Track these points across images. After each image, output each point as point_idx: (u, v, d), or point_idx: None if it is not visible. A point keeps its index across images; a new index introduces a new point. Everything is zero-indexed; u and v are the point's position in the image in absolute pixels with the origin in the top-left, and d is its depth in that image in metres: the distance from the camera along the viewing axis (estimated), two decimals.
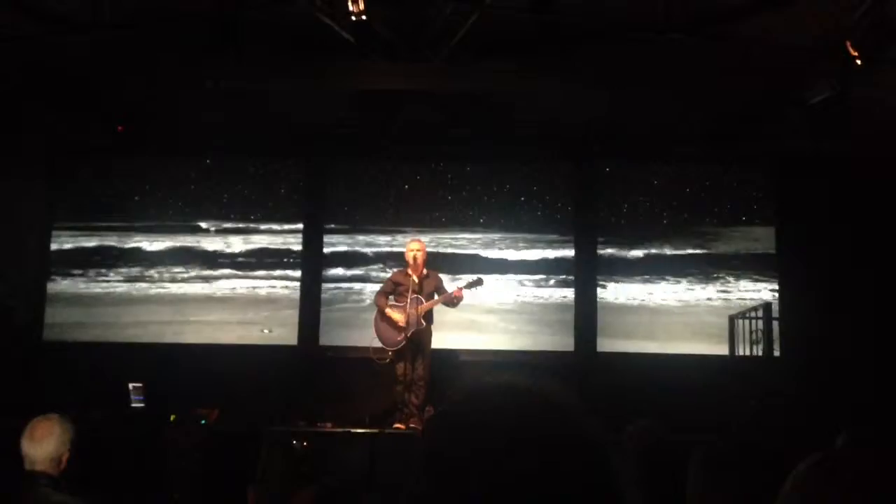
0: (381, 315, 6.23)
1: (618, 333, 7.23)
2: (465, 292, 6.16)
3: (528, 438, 0.80)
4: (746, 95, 6.06)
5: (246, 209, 7.59)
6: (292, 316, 7.28)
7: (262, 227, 7.57)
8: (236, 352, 7.06)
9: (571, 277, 7.40)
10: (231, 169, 7.64)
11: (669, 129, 6.88)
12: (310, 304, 7.29)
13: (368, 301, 6.81)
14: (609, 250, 7.49)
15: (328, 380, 6.88)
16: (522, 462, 0.78)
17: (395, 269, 6.58)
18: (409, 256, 6.20)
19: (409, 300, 5.97)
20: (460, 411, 0.85)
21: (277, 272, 7.50)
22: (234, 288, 7.49)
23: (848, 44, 4.44)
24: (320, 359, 7.06)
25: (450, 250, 7.38)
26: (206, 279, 7.46)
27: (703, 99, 6.21)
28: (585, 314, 7.24)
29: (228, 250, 7.58)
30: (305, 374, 6.97)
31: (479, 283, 6.20)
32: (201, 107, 6.62)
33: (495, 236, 7.48)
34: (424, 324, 6.10)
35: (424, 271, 6.27)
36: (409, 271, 6.21)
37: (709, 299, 7.33)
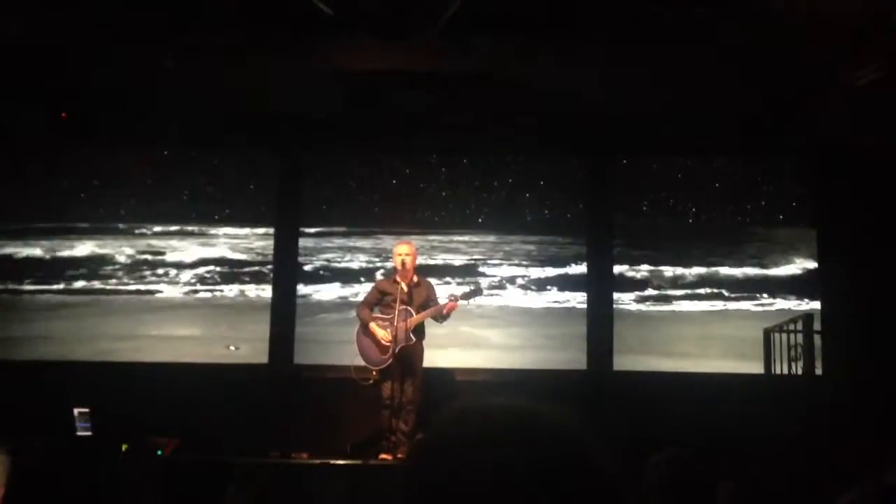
0: (365, 329, 6.24)
1: (636, 348, 7.25)
2: (461, 303, 6.20)
3: (523, 468, 0.81)
4: (782, 78, 6.09)
5: (209, 208, 7.60)
6: (263, 331, 7.28)
7: (229, 228, 7.60)
8: (198, 371, 7.04)
9: (583, 285, 7.42)
10: (193, 162, 7.64)
11: (694, 117, 6.91)
12: (283, 318, 7.29)
13: (351, 313, 6.80)
14: (626, 254, 7.54)
15: (304, 404, 6.89)
16: (516, 496, 0.78)
17: (380, 277, 6.55)
18: (398, 261, 6.20)
19: (396, 312, 5.98)
20: (448, 437, 0.88)
21: (246, 280, 7.52)
22: (195, 299, 7.50)
23: None
24: (295, 380, 7.08)
25: (442, 257, 7.46)
26: (164, 289, 7.48)
27: (732, 82, 6.23)
28: (599, 327, 7.23)
29: (189, 255, 7.59)
30: (278, 397, 6.98)
31: (476, 292, 6.21)
32: (158, 90, 6.60)
33: (495, 238, 7.54)
34: (414, 339, 6.11)
35: (415, 279, 6.27)
36: (398, 278, 6.21)
37: (741, 310, 7.40)
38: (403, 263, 6.10)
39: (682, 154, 7.57)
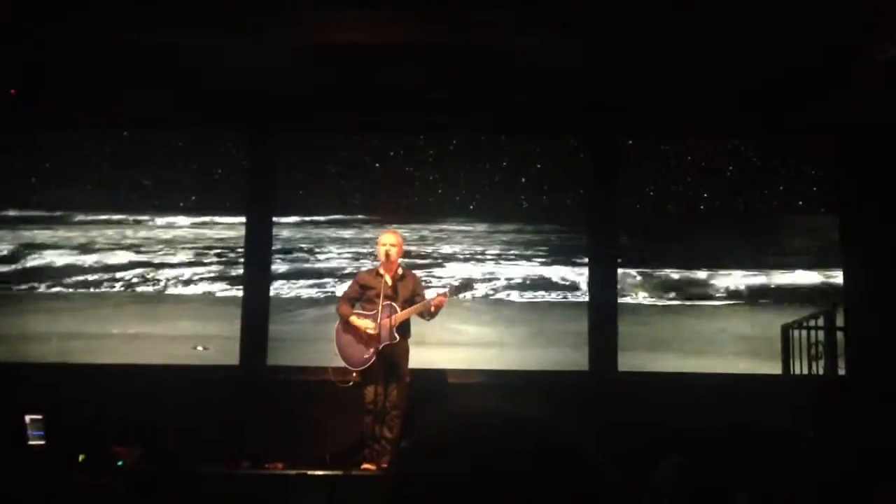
0: (345, 326, 6.22)
1: (642, 345, 7.30)
2: (451, 298, 6.20)
3: (515, 479, 0.81)
4: (802, 51, 6.11)
5: (174, 195, 7.56)
6: (233, 329, 7.25)
7: (195, 217, 7.57)
8: (162, 374, 7.01)
9: (585, 278, 7.42)
10: (155, 144, 7.59)
11: (707, 94, 6.92)
12: (255, 315, 7.26)
13: (330, 309, 6.79)
14: (631, 243, 7.57)
15: (278, 409, 6.90)
16: None
17: (362, 269, 6.54)
18: (381, 252, 6.20)
19: (380, 307, 5.98)
20: (435, 445, 0.88)
21: (214, 274, 7.49)
22: (159, 294, 7.48)
23: None
24: (268, 382, 7.08)
25: (429, 248, 7.43)
26: (124, 283, 7.43)
27: (748, 56, 6.22)
28: (602, 324, 7.23)
29: (151, 247, 7.55)
30: (250, 401, 6.98)
31: (468, 286, 6.22)
32: (116, 65, 6.54)
33: (488, 227, 7.52)
34: (399, 337, 6.10)
35: (400, 271, 6.27)
36: (381, 271, 6.22)
37: (757, 304, 7.42)
38: (388, 254, 6.09)
39: (693, 134, 7.58)
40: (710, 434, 5.93)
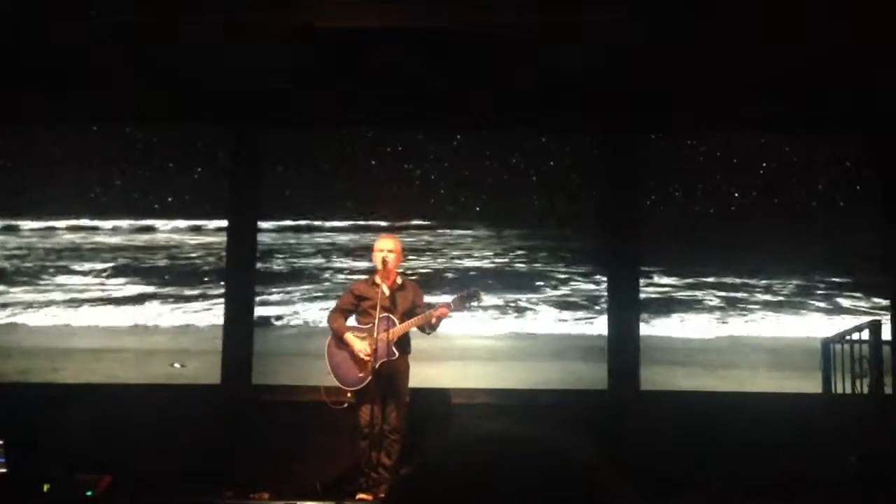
0: (338, 342, 6.20)
1: (666, 361, 7.30)
2: (456, 309, 6.18)
3: None
4: (844, 34, 6.09)
5: (149, 197, 7.58)
6: (214, 344, 7.19)
7: (172, 222, 7.59)
8: (135, 394, 6.97)
9: (603, 287, 7.38)
10: (126, 141, 7.56)
11: (737, 83, 6.86)
12: (238, 329, 7.20)
13: (322, 323, 6.78)
14: (655, 248, 7.52)
15: (265, 433, 6.86)
16: None
17: (358, 279, 6.52)
18: (378, 259, 6.17)
19: (377, 320, 5.93)
20: (438, 472, 0.89)
21: (193, 284, 7.49)
22: (132, 305, 7.45)
23: None
24: (253, 403, 7.01)
25: (430, 254, 7.47)
26: (94, 293, 7.42)
27: (784, 37, 6.19)
28: (623, 338, 7.18)
29: (123, 254, 7.54)
30: (233, 424, 6.92)
31: (474, 296, 6.18)
32: (83, 50, 6.50)
33: (495, 231, 7.52)
34: (398, 354, 6.07)
35: (399, 280, 6.24)
36: (378, 280, 6.18)
37: (794, 314, 7.41)
38: (385, 261, 6.06)
39: (722, 129, 7.58)
40: (744, 460, 5.97)
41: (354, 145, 7.57)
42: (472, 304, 6.19)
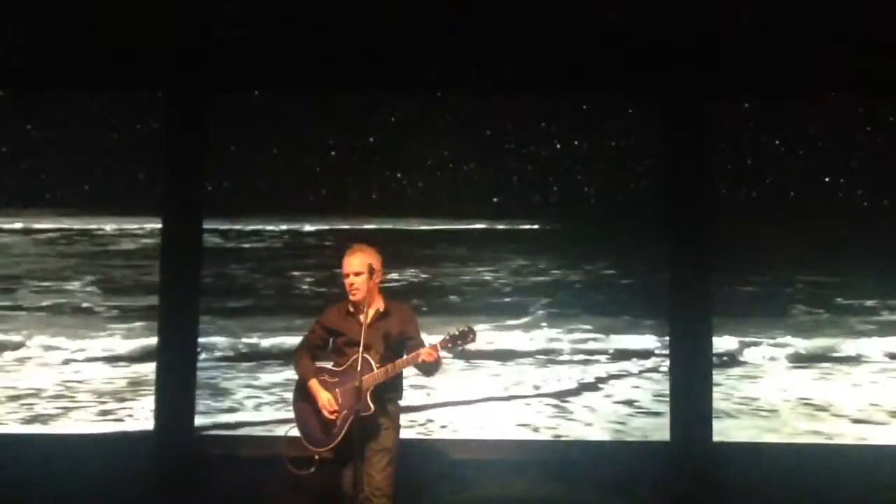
0: (303, 391, 5.54)
1: (746, 408, 7.00)
2: (447, 351, 5.42)
3: None
4: None
5: (59, 189, 7.28)
6: (145, 380, 6.98)
7: (90, 222, 7.31)
8: (47, 445, 6.79)
9: (661, 306, 7.02)
10: (32, 111, 7.26)
11: (826, 36, 6.54)
12: (177, 361, 6.93)
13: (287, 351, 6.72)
14: (730, 253, 7.05)
15: (212, 494, 6.51)
16: None
17: (331, 304, 5.77)
18: (346, 284, 5.43)
19: (357, 361, 5.19)
20: None
21: (118, 302, 7.18)
22: (42, 333, 7.14)
23: None
24: (197, 457, 6.74)
25: (426, 266, 7.11)
26: None
27: None
28: (689, 378, 6.84)
29: (25, 263, 7.25)
30: (171, 482, 6.62)
31: (467, 336, 5.44)
32: None
33: (513, 225, 7.24)
34: (373, 408, 5.33)
35: (381, 306, 5.51)
36: (351, 308, 5.49)
37: None
38: (353, 289, 5.35)
39: (809, 92, 7.16)
40: None
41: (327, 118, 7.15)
42: (464, 345, 5.43)
